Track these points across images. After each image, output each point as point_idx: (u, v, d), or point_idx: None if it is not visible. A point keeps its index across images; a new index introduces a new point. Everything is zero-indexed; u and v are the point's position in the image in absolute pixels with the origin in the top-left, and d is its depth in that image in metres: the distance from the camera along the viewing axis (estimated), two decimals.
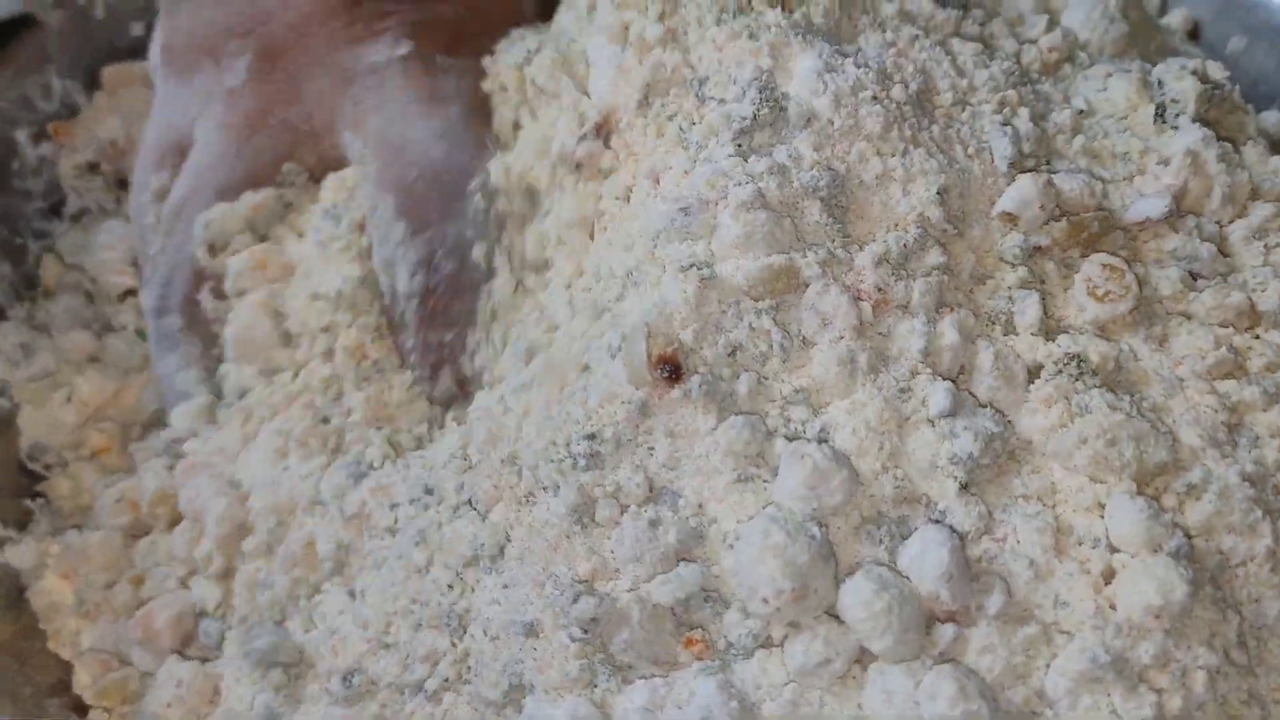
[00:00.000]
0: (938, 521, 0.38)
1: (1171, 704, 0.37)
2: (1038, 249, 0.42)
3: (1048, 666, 0.37)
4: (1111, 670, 0.36)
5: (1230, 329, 0.41)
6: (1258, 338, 0.42)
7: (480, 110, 0.52)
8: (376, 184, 0.50)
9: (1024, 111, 0.45)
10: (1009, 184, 0.43)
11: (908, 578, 0.38)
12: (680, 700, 0.38)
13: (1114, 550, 0.38)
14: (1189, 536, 0.38)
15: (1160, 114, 0.46)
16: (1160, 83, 0.47)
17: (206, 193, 0.52)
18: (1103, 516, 0.38)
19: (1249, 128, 0.48)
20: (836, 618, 0.37)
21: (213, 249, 0.52)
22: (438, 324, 0.49)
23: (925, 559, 0.37)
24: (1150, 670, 0.37)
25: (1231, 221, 0.44)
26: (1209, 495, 0.38)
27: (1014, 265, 0.42)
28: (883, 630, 0.37)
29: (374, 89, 0.51)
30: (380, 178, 0.50)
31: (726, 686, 0.37)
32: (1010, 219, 0.42)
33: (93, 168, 0.59)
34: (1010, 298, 0.42)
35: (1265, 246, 0.43)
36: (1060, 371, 0.40)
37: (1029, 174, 0.42)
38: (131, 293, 0.57)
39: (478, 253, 0.49)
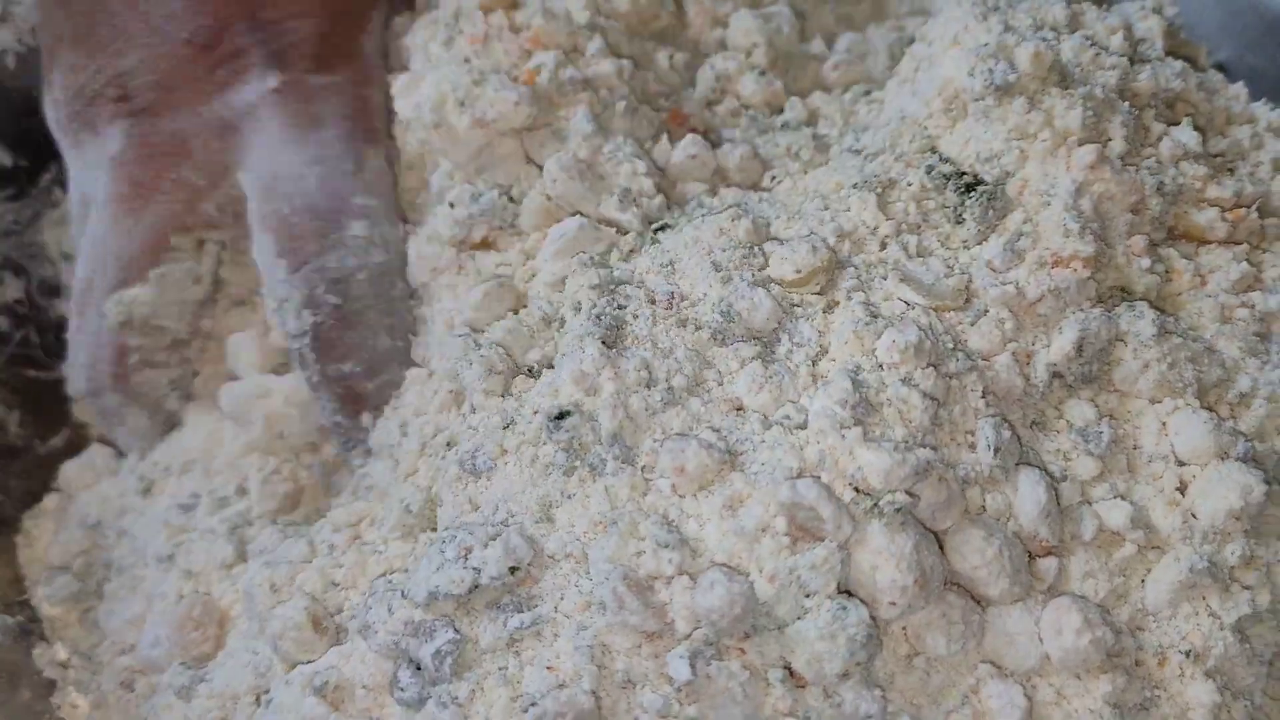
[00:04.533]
0: (1024, 463, 0.40)
1: (1261, 599, 0.39)
2: None
3: (1143, 582, 0.39)
4: (1206, 575, 0.39)
5: (1244, 246, 0.44)
6: (1265, 251, 0.45)
7: (362, 122, 0.50)
8: (258, 223, 0.49)
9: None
10: None
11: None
12: None
13: (1182, 464, 0.40)
14: (1248, 441, 0.41)
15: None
16: (1128, 25, 0.49)
17: (110, 270, 0.49)
18: (1166, 434, 0.41)
19: (1202, 58, 0.51)
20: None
21: (128, 325, 0.50)
22: (333, 357, 0.48)
23: (1023, 499, 0.39)
24: (1237, 570, 0.39)
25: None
26: (1258, 401, 0.41)
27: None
28: (997, 575, 0.38)
29: (254, 129, 0.49)
30: (259, 216, 0.48)
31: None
32: None
33: None
34: None
35: (1251, 165, 0.46)
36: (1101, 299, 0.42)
37: None
38: None
39: (363, 278, 0.48)
